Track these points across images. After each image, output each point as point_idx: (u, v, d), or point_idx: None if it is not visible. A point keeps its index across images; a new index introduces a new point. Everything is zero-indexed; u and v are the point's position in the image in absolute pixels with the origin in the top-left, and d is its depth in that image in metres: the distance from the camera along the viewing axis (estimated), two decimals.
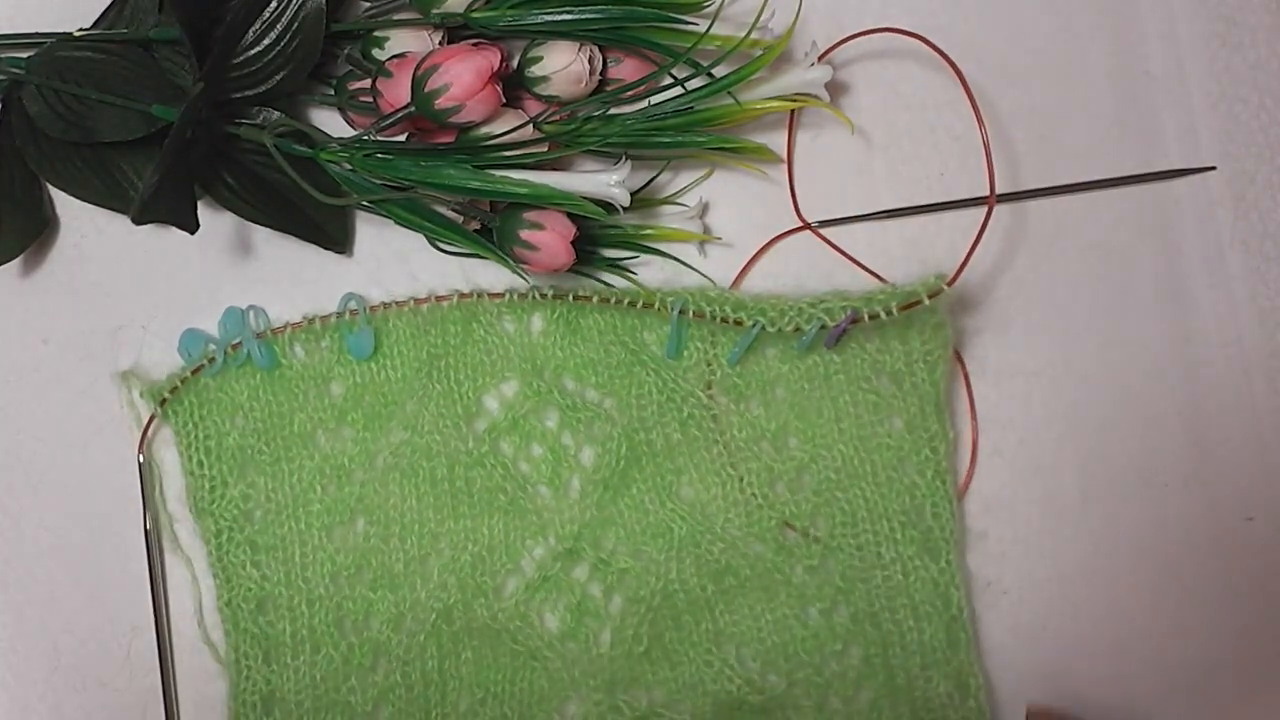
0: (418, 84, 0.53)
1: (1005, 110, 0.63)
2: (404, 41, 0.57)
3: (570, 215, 0.55)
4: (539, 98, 0.57)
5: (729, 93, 0.55)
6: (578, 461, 0.60)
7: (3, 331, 0.61)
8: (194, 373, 0.58)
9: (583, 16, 0.54)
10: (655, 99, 0.56)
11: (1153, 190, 0.63)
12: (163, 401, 0.59)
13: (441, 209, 0.56)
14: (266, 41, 0.55)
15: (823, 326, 0.57)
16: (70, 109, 0.56)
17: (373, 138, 0.55)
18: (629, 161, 0.55)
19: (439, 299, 0.59)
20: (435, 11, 0.56)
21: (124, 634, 0.61)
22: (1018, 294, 0.62)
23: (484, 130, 0.55)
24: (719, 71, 0.55)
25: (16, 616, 0.61)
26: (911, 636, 0.59)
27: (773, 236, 0.62)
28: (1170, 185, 0.63)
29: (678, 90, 0.56)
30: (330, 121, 0.61)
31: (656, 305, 0.58)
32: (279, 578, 0.59)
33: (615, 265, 0.60)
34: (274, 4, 0.55)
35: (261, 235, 0.61)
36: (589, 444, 0.60)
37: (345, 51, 0.59)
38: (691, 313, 0.58)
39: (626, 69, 0.58)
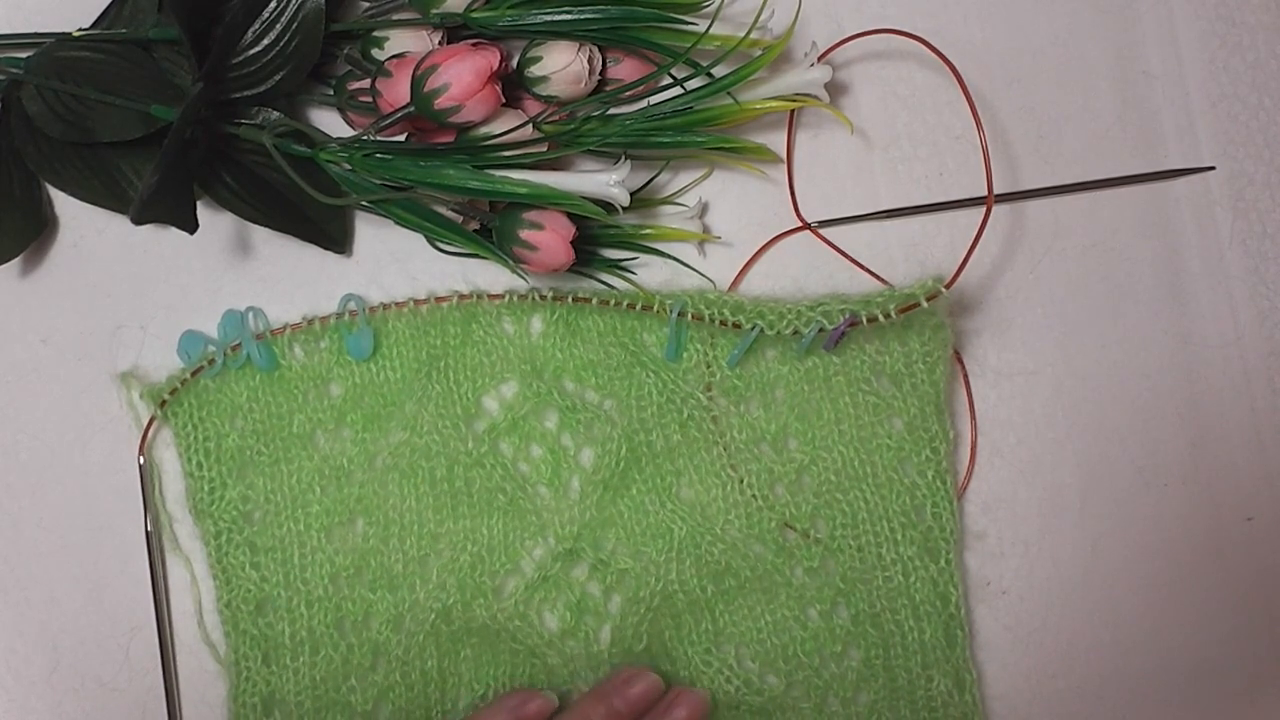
0: (417, 84, 0.53)
1: (1004, 110, 0.63)
2: (403, 41, 0.57)
3: (570, 215, 0.55)
4: (538, 98, 0.57)
5: (728, 93, 0.55)
6: (577, 462, 0.60)
7: (2, 331, 0.61)
8: (194, 374, 0.58)
9: (582, 16, 0.54)
10: (654, 99, 0.56)
11: (1152, 190, 0.63)
12: (162, 403, 0.59)
13: (441, 209, 0.56)
14: (266, 41, 0.55)
15: (821, 329, 0.57)
16: (69, 109, 0.56)
17: (372, 138, 0.55)
18: (628, 161, 0.54)
19: (438, 300, 0.59)
20: (434, 11, 0.56)
21: (124, 634, 0.61)
22: (1017, 294, 0.62)
23: (483, 130, 0.55)
24: (718, 71, 0.55)
25: (16, 616, 0.61)
26: (912, 637, 0.59)
27: (772, 236, 0.62)
28: (1170, 185, 0.64)
29: (677, 90, 0.56)
30: (330, 121, 0.61)
31: (655, 307, 0.58)
32: (278, 579, 0.59)
33: (615, 266, 0.60)
34: (273, 4, 0.55)
35: (261, 235, 0.61)
36: (589, 445, 0.60)
37: (345, 51, 0.58)
38: (690, 315, 0.58)
39: (626, 69, 0.58)
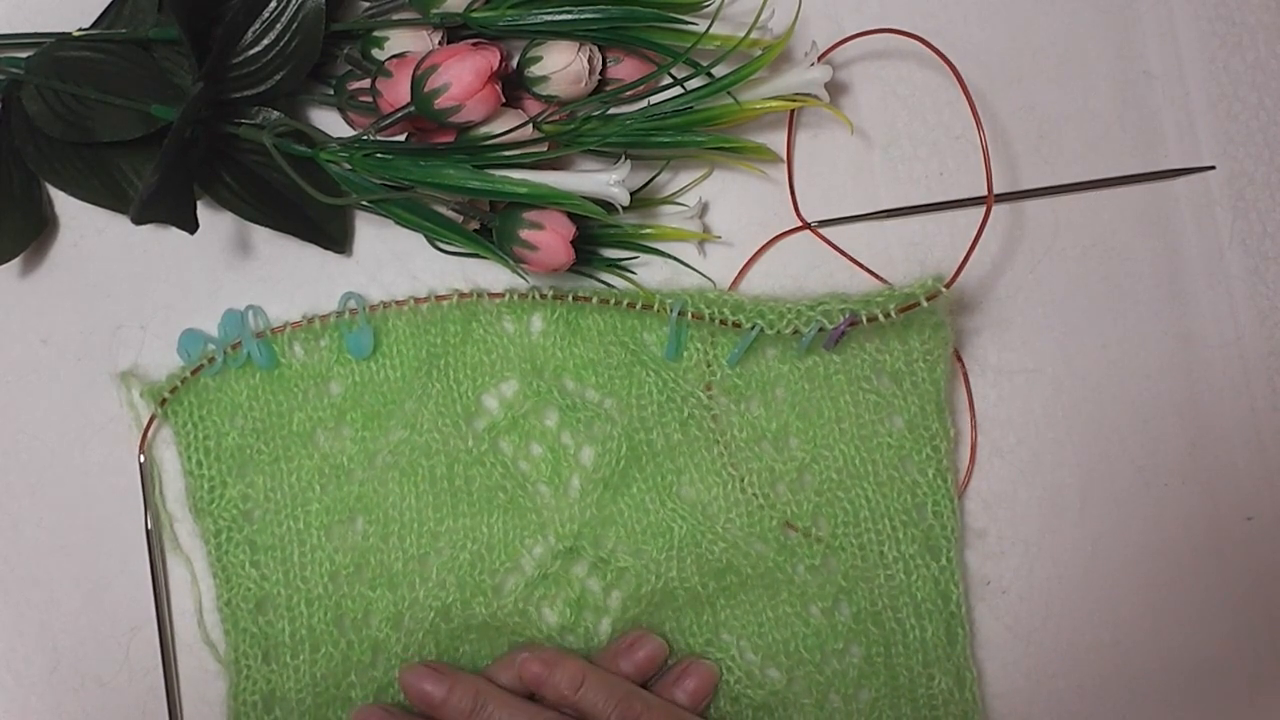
0: (417, 84, 0.53)
1: (1004, 110, 0.63)
2: (403, 41, 0.57)
3: (570, 215, 0.55)
4: (538, 97, 0.57)
5: (729, 92, 0.55)
6: (577, 461, 0.60)
7: (2, 331, 0.61)
8: (194, 373, 0.58)
9: (582, 16, 0.54)
10: (655, 99, 0.56)
11: (1152, 190, 0.63)
12: (163, 401, 0.59)
13: (441, 209, 0.56)
14: (266, 41, 0.55)
15: (821, 329, 0.57)
16: (69, 109, 0.56)
17: (372, 137, 0.55)
18: (628, 161, 0.54)
19: (439, 298, 0.59)
20: (435, 11, 0.56)
21: (124, 634, 0.61)
22: (1017, 293, 0.63)
23: (484, 130, 0.55)
24: (719, 71, 0.55)
25: (16, 616, 0.61)
26: (914, 635, 0.59)
27: (772, 236, 0.62)
28: (1170, 185, 0.64)
29: (677, 90, 0.56)
30: (330, 121, 0.61)
31: (656, 306, 0.58)
32: (278, 577, 0.59)
33: (615, 265, 0.60)
34: (273, 4, 0.55)
35: (261, 235, 0.61)
36: (589, 443, 0.60)
37: (345, 51, 0.59)
38: (690, 314, 0.58)
39: (626, 69, 0.58)
